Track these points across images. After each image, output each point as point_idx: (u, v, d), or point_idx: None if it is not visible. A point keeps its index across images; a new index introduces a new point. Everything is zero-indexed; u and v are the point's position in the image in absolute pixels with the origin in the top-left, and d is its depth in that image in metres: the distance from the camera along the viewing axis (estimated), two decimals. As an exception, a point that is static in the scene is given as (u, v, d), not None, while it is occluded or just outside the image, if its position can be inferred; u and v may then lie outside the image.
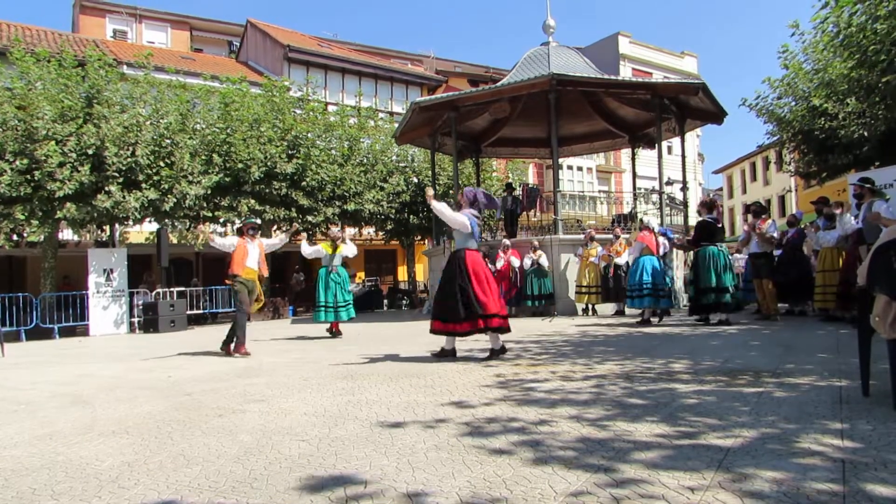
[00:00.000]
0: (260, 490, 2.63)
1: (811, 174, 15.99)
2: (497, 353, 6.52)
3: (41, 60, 14.85)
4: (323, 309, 10.21)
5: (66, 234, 18.45)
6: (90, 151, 14.01)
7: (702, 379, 4.76)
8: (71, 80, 14.72)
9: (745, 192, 44.41)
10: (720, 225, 9.84)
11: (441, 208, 6.54)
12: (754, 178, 43.46)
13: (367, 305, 20.99)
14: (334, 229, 10.73)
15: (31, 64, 14.57)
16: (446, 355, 6.74)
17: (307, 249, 10.42)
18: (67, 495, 2.72)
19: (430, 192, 6.67)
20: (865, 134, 12.39)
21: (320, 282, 10.29)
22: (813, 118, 13.61)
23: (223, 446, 3.39)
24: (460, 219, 6.55)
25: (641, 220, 11.87)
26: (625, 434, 3.23)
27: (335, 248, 10.38)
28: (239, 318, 8.19)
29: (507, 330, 6.54)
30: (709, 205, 9.86)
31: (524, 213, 17.33)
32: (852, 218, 8.91)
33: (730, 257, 9.65)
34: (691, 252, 10.71)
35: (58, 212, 13.90)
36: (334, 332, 10.52)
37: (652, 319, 10.33)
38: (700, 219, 9.90)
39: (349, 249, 10.41)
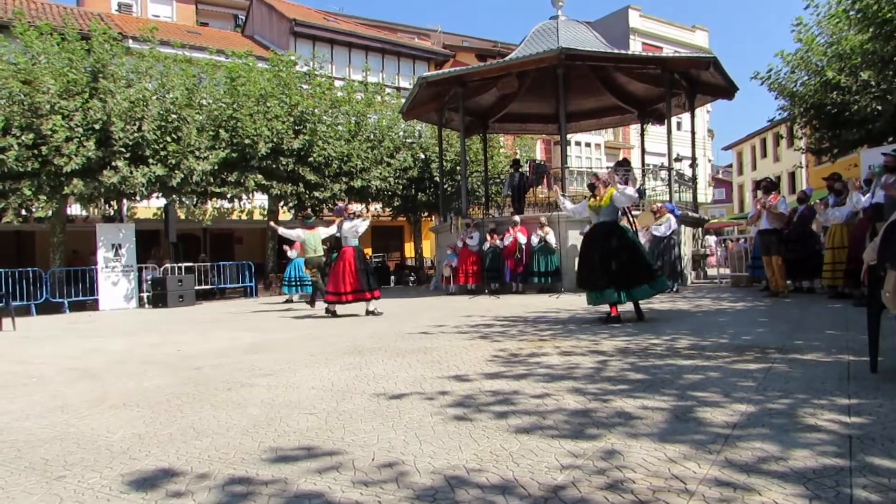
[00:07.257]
0: (269, 462, 2.65)
1: (822, 150, 15.80)
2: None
3: (44, 34, 14.73)
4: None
5: (75, 209, 18.49)
6: (96, 126, 13.95)
7: (707, 355, 4.75)
8: (75, 54, 14.60)
9: (754, 168, 43.97)
10: None
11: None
12: (765, 155, 42.97)
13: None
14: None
15: (35, 38, 14.46)
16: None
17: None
18: (80, 465, 2.76)
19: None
20: (879, 108, 12.21)
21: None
22: (825, 92, 13.42)
23: (232, 419, 3.42)
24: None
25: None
26: (629, 409, 3.24)
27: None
28: None
29: None
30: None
31: (531, 189, 17.25)
32: (861, 195, 8.77)
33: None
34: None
35: (65, 187, 13.90)
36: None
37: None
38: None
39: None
